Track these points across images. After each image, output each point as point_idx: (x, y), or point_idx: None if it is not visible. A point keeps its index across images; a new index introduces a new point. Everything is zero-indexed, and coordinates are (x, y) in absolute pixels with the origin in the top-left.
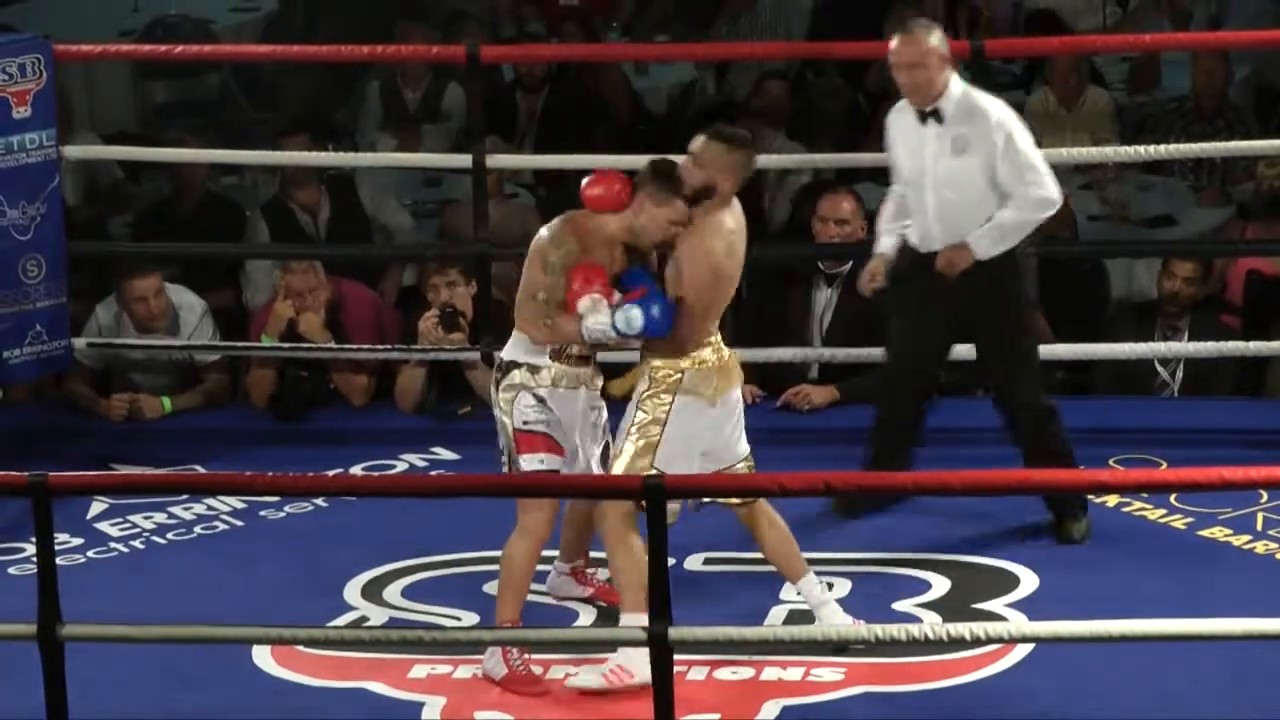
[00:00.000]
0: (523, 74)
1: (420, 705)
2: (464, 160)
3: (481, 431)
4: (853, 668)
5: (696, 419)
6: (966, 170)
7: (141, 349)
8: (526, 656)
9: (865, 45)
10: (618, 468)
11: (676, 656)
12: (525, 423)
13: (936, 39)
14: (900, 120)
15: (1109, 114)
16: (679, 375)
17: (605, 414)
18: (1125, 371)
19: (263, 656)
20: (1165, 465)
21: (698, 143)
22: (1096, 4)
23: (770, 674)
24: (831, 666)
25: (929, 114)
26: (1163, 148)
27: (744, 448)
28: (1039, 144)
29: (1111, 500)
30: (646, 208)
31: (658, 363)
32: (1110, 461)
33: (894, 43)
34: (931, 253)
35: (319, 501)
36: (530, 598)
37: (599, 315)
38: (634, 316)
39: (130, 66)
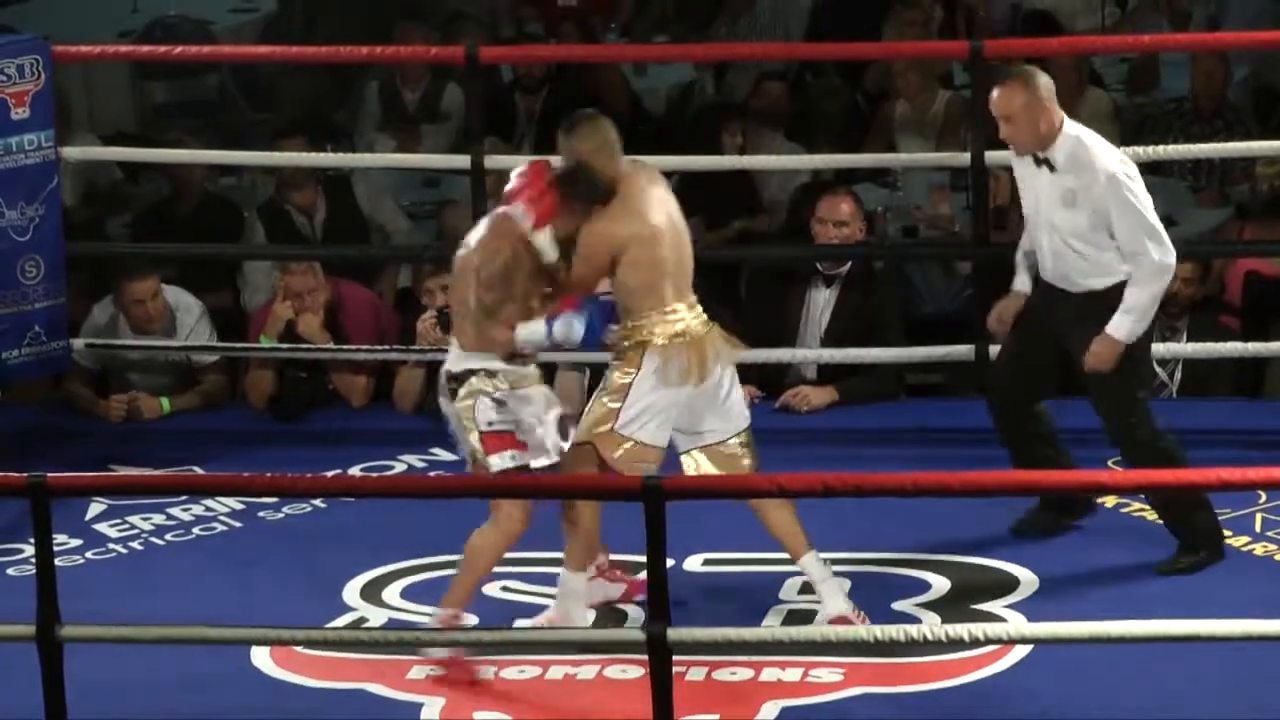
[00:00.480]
0: (521, 75)
1: (419, 706)
2: (463, 161)
3: None
4: (852, 668)
5: (661, 393)
6: (1077, 221)
7: (139, 349)
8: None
9: (864, 46)
10: (580, 431)
11: (675, 657)
12: (489, 423)
13: (1029, 90)
14: (1020, 159)
15: (1108, 115)
16: (646, 351)
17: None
18: None
19: (261, 657)
20: None
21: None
22: (1095, 4)
23: (769, 675)
24: (831, 667)
25: (1042, 160)
26: (1161, 148)
27: (734, 422)
28: None
29: (1110, 501)
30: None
31: (627, 337)
32: (1109, 462)
33: (993, 93)
34: (1050, 286)
35: (317, 502)
36: (531, 599)
37: (534, 326)
38: (574, 326)
39: (129, 67)
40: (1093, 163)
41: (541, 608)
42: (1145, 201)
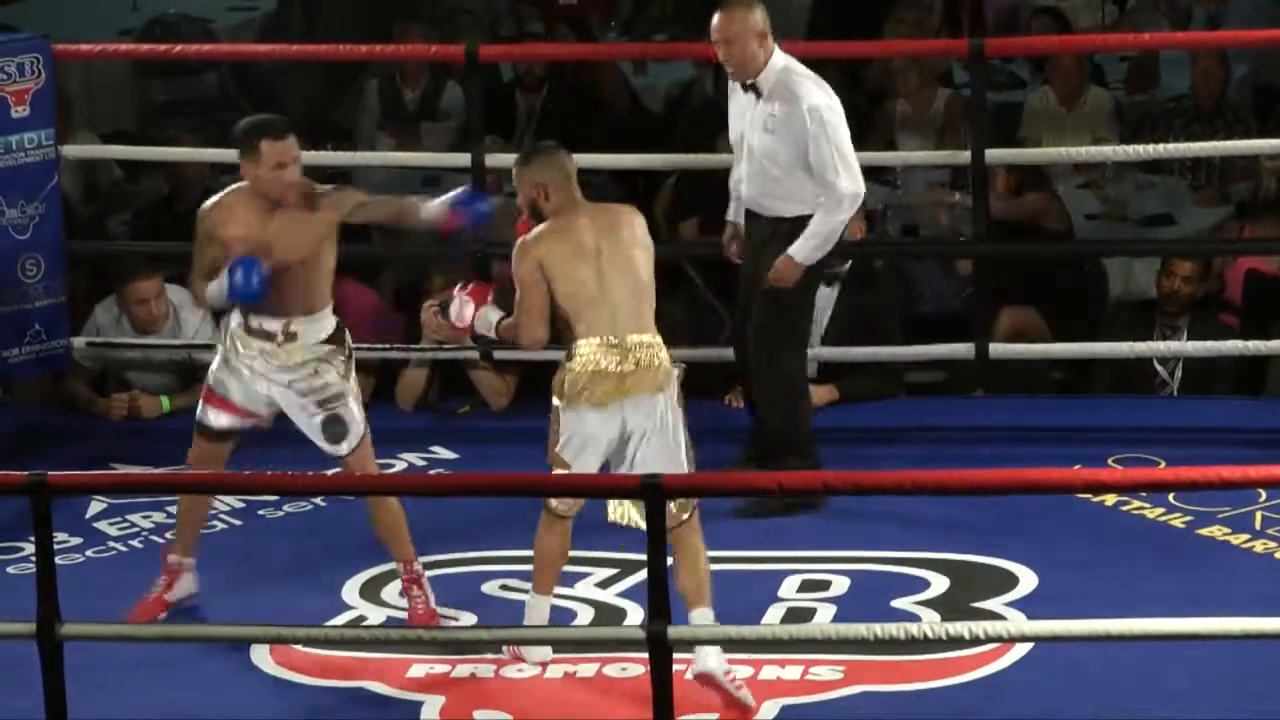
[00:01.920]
0: (522, 73)
1: (419, 704)
2: (463, 159)
3: (482, 431)
4: (852, 667)
5: (581, 422)
6: (775, 148)
7: (140, 349)
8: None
9: (863, 45)
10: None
11: (675, 655)
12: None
13: (749, 16)
14: (733, 85)
15: (1109, 113)
16: (563, 377)
17: (328, 390)
18: (1124, 370)
19: (261, 655)
20: (1164, 464)
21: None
22: (1095, 3)
23: (769, 673)
24: (831, 665)
25: (749, 87)
26: (1161, 147)
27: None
28: (1039, 143)
29: (1110, 499)
30: (250, 171)
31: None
32: (1109, 460)
33: (714, 18)
34: (748, 211)
35: (318, 501)
36: (524, 597)
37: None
38: (223, 280)
39: (129, 66)
40: (797, 94)
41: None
42: (843, 134)
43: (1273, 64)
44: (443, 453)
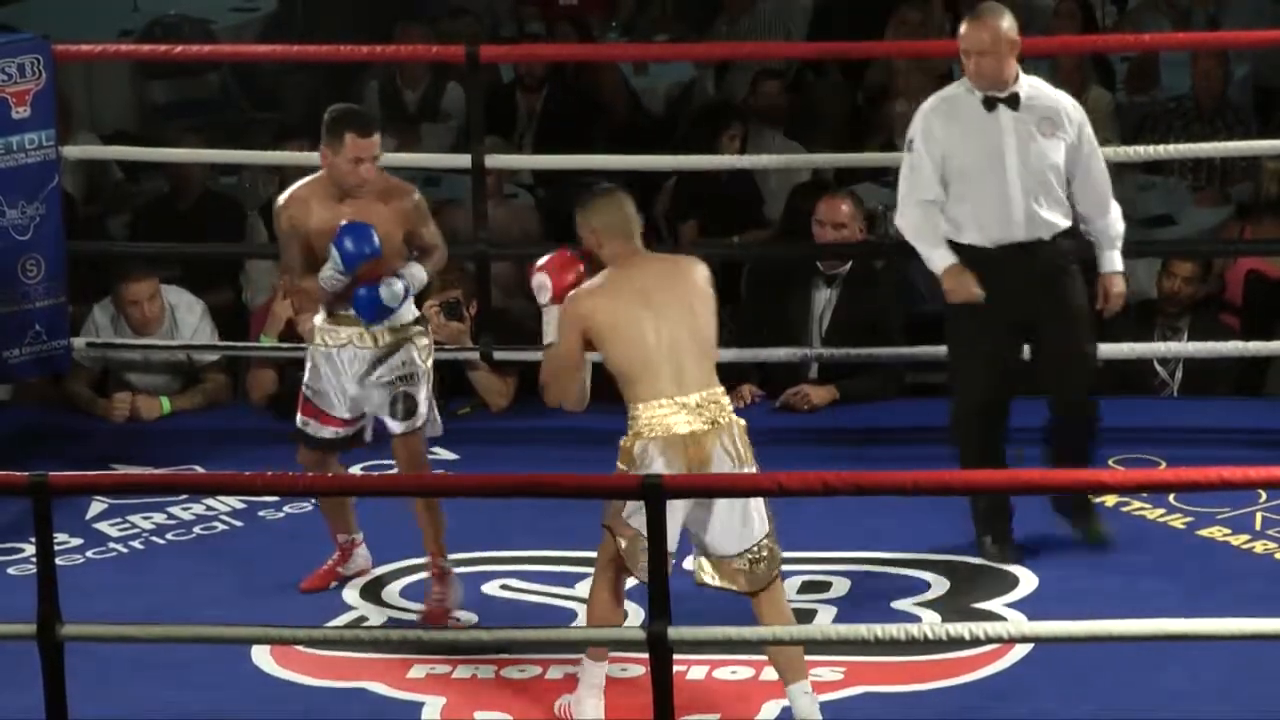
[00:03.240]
0: (522, 74)
1: (420, 705)
2: (464, 160)
3: (482, 431)
4: (852, 667)
5: None
6: (1056, 153)
7: (140, 349)
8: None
9: (864, 45)
10: (605, 513)
11: (676, 656)
12: (306, 385)
13: (1009, 24)
14: (953, 111)
15: (1109, 113)
16: (631, 445)
17: (407, 368)
18: (1125, 371)
19: (262, 656)
20: (1164, 465)
21: None
22: (1095, 3)
23: (770, 674)
24: (831, 666)
25: (998, 101)
26: (1162, 148)
27: (741, 541)
28: None
29: (1110, 500)
30: (328, 157)
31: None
32: (1109, 461)
33: (964, 28)
34: (1004, 246)
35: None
36: (530, 598)
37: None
38: (334, 256)
39: (130, 66)
40: (1054, 94)
41: (538, 608)
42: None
43: (1273, 64)
44: (443, 454)
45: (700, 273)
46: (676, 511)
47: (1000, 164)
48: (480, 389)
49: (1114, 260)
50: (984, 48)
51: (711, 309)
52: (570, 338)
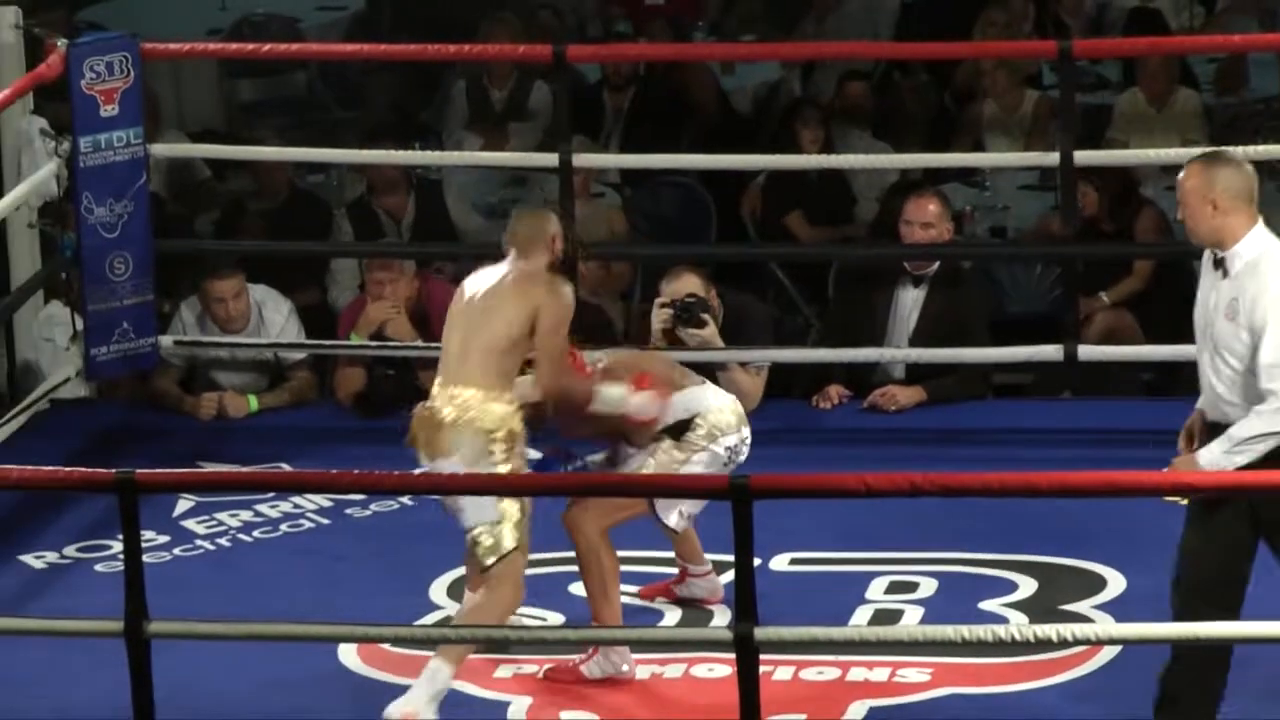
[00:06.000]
0: (609, 73)
1: (506, 705)
2: (551, 159)
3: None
4: (939, 668)
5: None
6: (1237, 338)
7: (226, 347)
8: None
9: (950, 46)
10: None
11: (762, 656)
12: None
13: (1203, 174)
14: (1204, 260)
15: (1198, 114)
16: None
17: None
18: None
19: (349, 655)
20: None
21: None
22: (1183, 4)
23: (856, 674)
24: (918, 667)
25: (1219, 261)
26: (1250, 148)
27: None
28: (1128, 144)
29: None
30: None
31: None
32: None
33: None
34: (1216, 424)
35: (405, 500)
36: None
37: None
38: None
39: (217, 65)
40: (1268, 275)
41: (627, 606)
42: None
43: None
44: (530, 453)
45: (520, 289)
46: None
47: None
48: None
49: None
50: (1179, 197)
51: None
52: None
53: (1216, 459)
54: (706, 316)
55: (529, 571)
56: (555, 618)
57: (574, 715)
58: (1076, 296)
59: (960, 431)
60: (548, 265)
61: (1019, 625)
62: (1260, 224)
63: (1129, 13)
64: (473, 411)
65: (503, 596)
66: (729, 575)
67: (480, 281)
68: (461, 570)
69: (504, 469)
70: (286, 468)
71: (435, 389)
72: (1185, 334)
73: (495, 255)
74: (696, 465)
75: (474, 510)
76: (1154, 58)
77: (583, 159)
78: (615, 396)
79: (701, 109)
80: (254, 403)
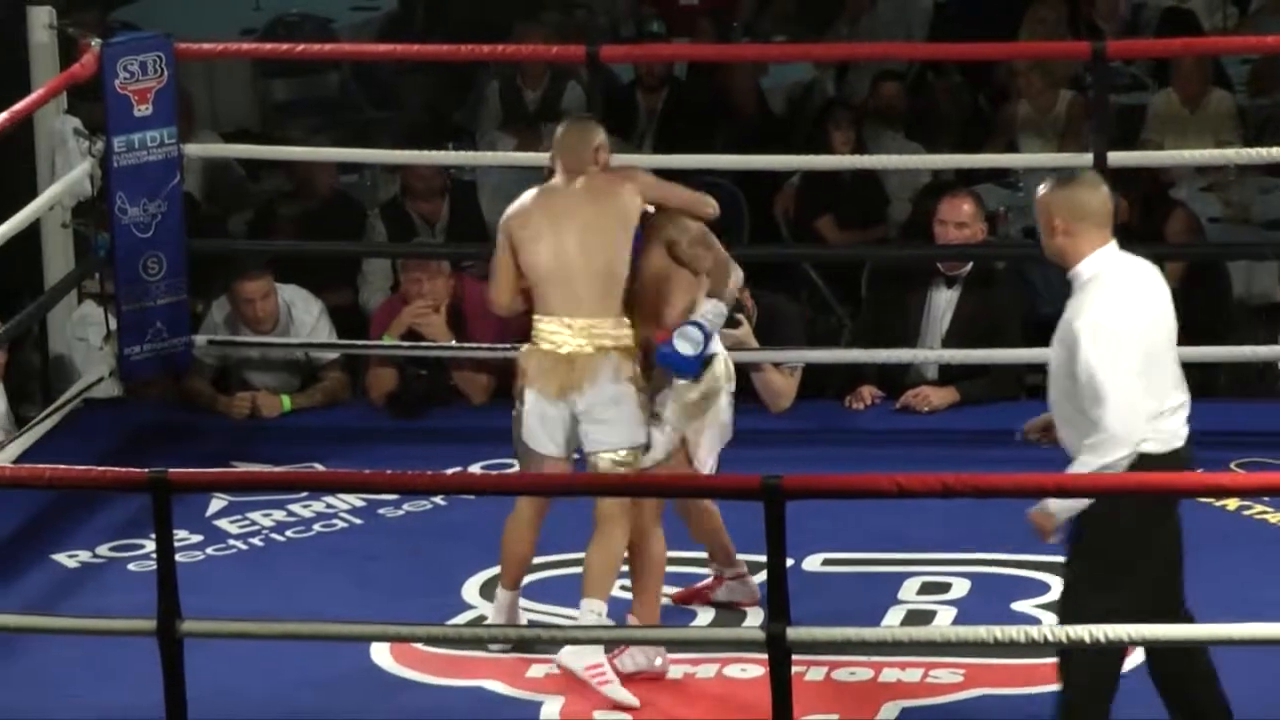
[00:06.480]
0: (643, 74)
1: (539, 704)
2: None
3: None
4: (972, 669)
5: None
6: (1056, 355)
7: (258, 347)
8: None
9: (983, 47)
10: None
11: (795, 657)
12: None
13: (1053, 195)
14: None
15: (1232, 116)
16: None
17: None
18: (1246, 374)
19: (381, 654)
20: None
21: None
22: (1216, 5)
23: (889, 675)
24: (951, 668)
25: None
26: None
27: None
28: (1162, 145)
29: (1232, 504)
30: None
31: None
32: (1232, 465)
33: None
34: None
35: (438, 500)
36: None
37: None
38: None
39: (251, 65)
40: (1091, 295)
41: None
42: (1117, 359)
43: None
44: None
45: (622, 197)
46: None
47: None
48: (763, 392)
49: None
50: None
51: (621, 236)
52: (500, 241)
53: (1067, 504)
54: (740, 317)
55: (562, 571)
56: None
57: (607, 715)
58: None
59: (993, 432)
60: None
61: (1052, 626)
62: (1109, 246)
63: (1162, 13)
64: (607, 340)
65: (615, 540)
66: (761, 576)
67: (548, 208)
68: (494, 570)
69: (635, 392)
70: (319, 467)
71: (543, 325)
72: (1218, 335)
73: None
74: (725, 411)
75: (624, 430)
76: (1188, 59)
77: (615, 159)
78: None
79: (740, 109)
80: (287, 402)
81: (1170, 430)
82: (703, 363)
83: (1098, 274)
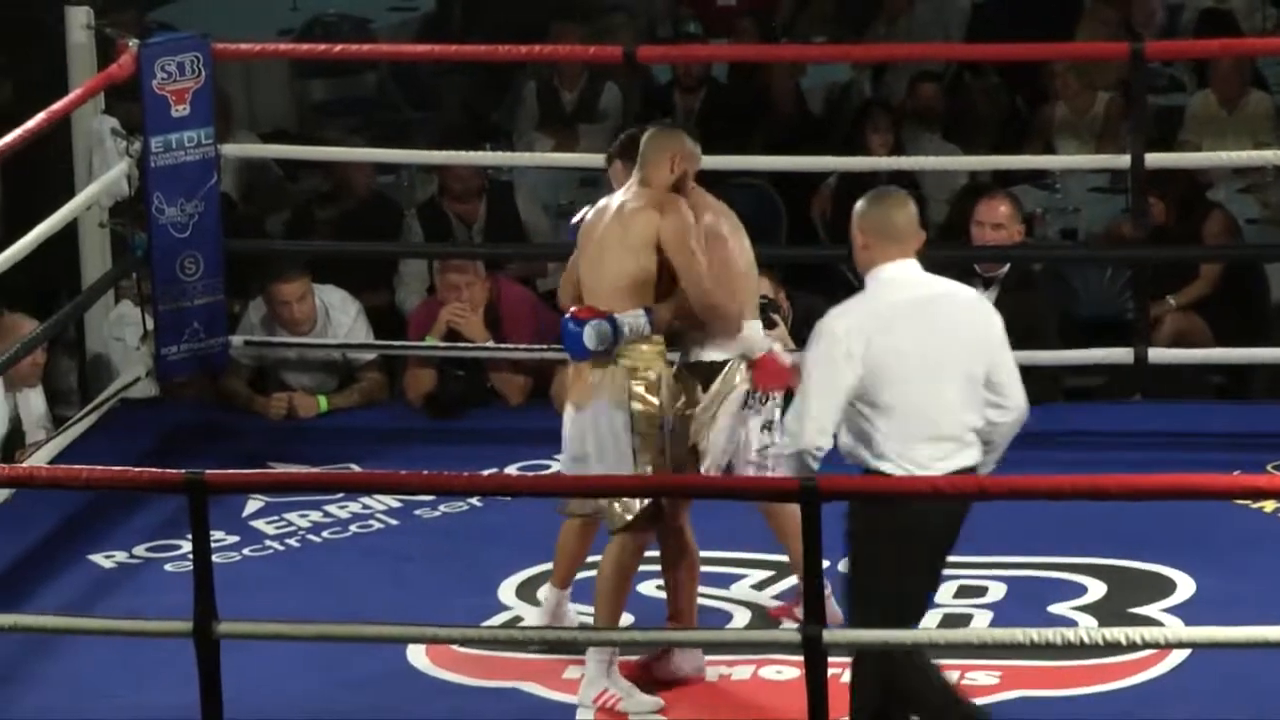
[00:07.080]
0: (680, 74)
1: (575, 706)
2: None
3: None
4: (1008, 671)
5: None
6: None
7: (295, 348)
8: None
9: (1021, 48)
10: None
11: (831, 659)
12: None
13: (858, 209)
14: None
15: (1270, 117)
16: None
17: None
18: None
19: (418, 655)
20: None
21: None
22: (1256, 5)
23: None
24: (987, 670)
25: None
26: None
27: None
28: (1200, 147)
29: (1269, 506)
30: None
31: None
32: (1269, 467)
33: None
34: None
35: (474, 501)
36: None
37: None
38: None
39: (288, 65)
40: (844, 303)
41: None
42: (823, 367)
43: None
44: None
45: (639, 222)
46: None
47: None
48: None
49: None
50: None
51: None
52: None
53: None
54: (777, 318)
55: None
56: (625, 618)
57: (643, 718)
58: (1147, 299)
59: (1029, 434)
60: (670, 185)
61: (1088, 628)
62: (905, 263)
63: (1200, 14)
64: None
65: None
66: (791, 580)
67: (594, 219)
68: (531, 571)
69: (641, 408)
70: (356, 468)
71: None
72: (1255, 337)
73: (565, 254)
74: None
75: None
76: (1226, 60)
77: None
78: (758, 337)
79: (779, 110)
80: (324, 403)
81: (917, 462)
82: (590, 356)
83: (875, 285)
